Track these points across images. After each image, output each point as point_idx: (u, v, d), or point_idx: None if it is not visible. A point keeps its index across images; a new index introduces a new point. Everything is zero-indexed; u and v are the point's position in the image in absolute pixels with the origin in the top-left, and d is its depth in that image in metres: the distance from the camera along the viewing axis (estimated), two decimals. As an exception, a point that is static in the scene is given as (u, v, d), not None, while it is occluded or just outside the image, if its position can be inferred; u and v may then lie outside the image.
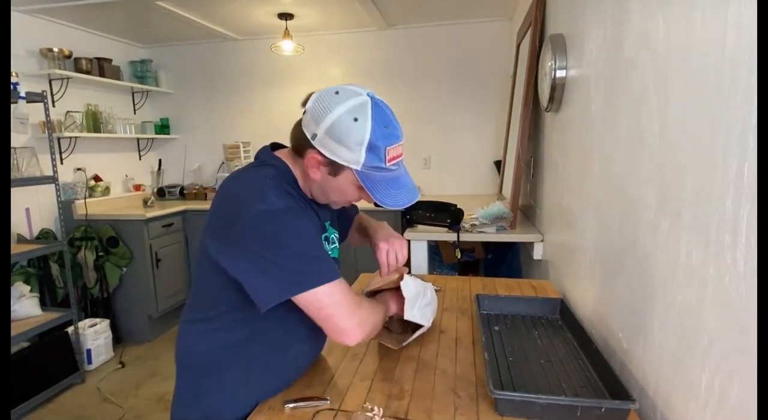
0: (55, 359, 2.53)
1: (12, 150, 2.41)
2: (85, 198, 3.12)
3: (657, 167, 0.84)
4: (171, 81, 3.92)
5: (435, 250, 2.61)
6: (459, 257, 2.11)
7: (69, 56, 3.03)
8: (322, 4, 2.93)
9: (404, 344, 1.08)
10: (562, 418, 0.81)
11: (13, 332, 2.24)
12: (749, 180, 0.57)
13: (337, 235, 1.05)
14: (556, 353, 1.08)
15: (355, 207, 1.22)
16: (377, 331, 0.93)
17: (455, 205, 1.94)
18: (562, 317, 1.27)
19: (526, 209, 2.31)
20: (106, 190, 3.38)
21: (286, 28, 3.19)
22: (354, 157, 0.79)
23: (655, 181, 0.85)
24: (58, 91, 3.04)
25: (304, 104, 0.83)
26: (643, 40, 0.91)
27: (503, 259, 2.70)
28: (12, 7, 2.70)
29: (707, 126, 0.67)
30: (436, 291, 1.41)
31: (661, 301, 0.82)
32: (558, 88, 1.55)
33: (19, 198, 2.78)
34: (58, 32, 3.09)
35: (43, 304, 2.63)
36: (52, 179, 2.50)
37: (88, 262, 2.97)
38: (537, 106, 1.98)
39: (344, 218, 1.15)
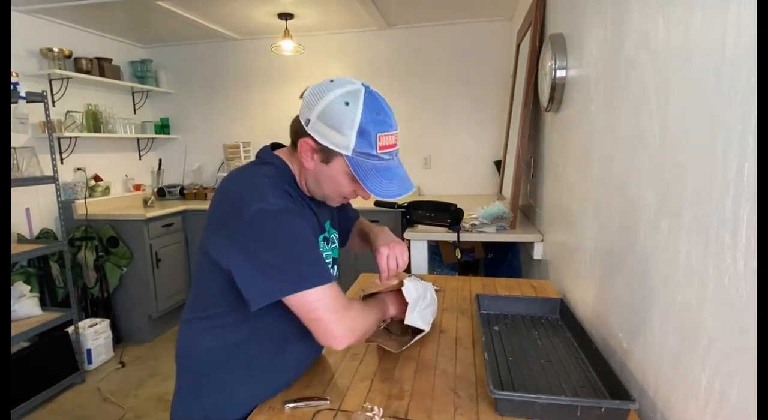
0: (55, 359, 2.53)
1: (12, 150, 2.41)
2: (85, 198, 3.12)
3: (657, 167, 0.84)
4: (171, 81, 3.92)
5: (435, 250, 2.61)
6: (459, 257, 2.11)
7: (69, 56, 3.03)
8: (322, 4, 2.93)
9: (404, 349, 1.08)
10: (562, 418, 0.81)
11: (13, 332, 2.24)
12: (749, 180, 0.57)
13: (337, 236, 1.05)
14: (556, 353, 1.08)
15: (356, 212, 1.22)
16: (369, 334, 0.93)
17: (455, 205, 1.94)
18: (562, 317, 1.27)
19: (526, 209, 2.31)
20: (106, 190, 3.38)
21: (286, 28, 3.19)
22: (344, 142, 0.79)
23: (655, 181, 0.85)
24: (58, 91, 3.04)
25: (302, 96, 0.84)
26: (643, 40, 0.91)
27: (503, 259, 2.70)
28: (12, 7, 2.70)
29: (707, 126, 0.67)
30: (436, 291, 1.41)
31: (661, 301, 0.82)
32: (558, 88, 1.55)
33: (20, 198, 2.78)
34: (58, 32, 3.09)
35: (43, 304, 2.63)
36: (52, 179, 2.50)
37: (88, 262, 2.97)
38: (537, 106, 1.98)
39: (345, 222, 1.14)
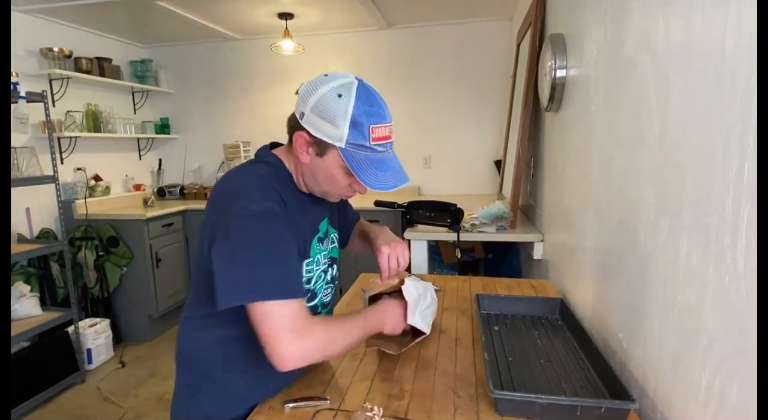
0: (55, 359, 2.53)
1: (12, 150, 2.41)
2: (85, 198, 3.12)
3: (657, 167, 0.84)
4: (171, 81, 3.92)
5: (435, 249, 2.61)
6: (459, 257, 2.11)
7: (69, 56, 3.03)
8: (322, 3, 2.93)
9: (404, 350, 1.08)
10: (562, 418, 0.81)
11: (14, 332, 2.24)
12: (749, 180, 0.57)
13: (337, 236, 1.05)
14: (556, 353, 1.08)
15: (357, 213, 1.22)
16: (334, 356, 0.88)
17: (455, 205, 1.94)
18: (562, 317, 1.27)
19: (526, 209, 2.31)
20: (107, 190, 3.38)
21: (286, 28, 3.19)
22: (337, 134, 0.79)
23: (655, 181, 0.85)
24: (58, 91, 3.04)
25: (297, 91, 0.85)
26: (643, 40, 0.91)
27: (503, 259, 2.70)
28: (12, 7, 2.70)
29: (707, 126, 0.67)
30: (436, 291, 1.40)
31: (661, 301, 0.82)
32: (558, 88, 1.55)
33: (20, 198, 2.78)
34: (58, 32, 3.09)
35: (43, 303, 2.63)
36: (53, 179, 2.50)
37: (88, 262, 2.97)
38: (537, 106, 1.98)
39: (345, 223, 1.14)
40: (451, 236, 1.95)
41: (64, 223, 2.61)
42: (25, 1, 2.69)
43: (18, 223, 2.80)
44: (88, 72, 3.15)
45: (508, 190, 2.28)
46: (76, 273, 2.93)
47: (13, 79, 2.30)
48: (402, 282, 1.05)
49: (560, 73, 1.53)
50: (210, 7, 2.96)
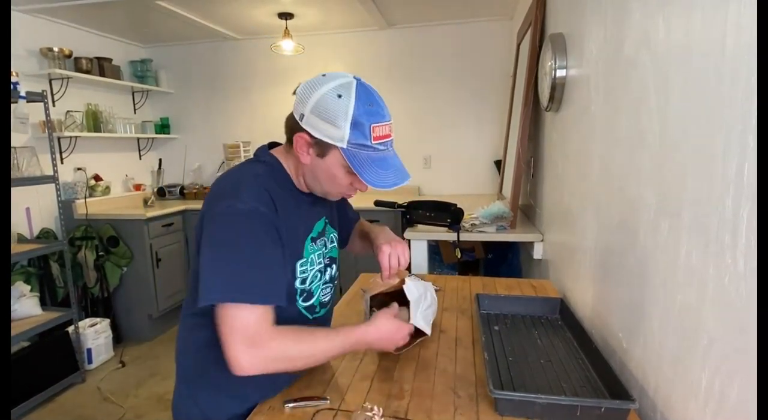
0: (55, 359, 2.53)
1: (12, 150, 2.41)
2: (85, 197, 3.12)
3: (657, 167, 0.84)
4: (171, 81, 3.92)
5: (435, 249, 2.61)
6: (459, 257, 2.11)
7: (69, 56, 3.03)
8: (322, 3, 2.93)
9: (404, 350, 1.08)
10: (562, 418, 0.81)
11: (14, 332, 2.24)
12: (749, 180, 0.57)
13: (336, 236, 1.04)
14: (556, 353, 1.08)
15: (357, 213, 1.22)
16: (298, 370, 0.83)
17: (455, 205, 1.94)
18: (562, 317, 1.27)
19: (526, 209, 2.31)
20: (107, 190, 3.38)
21: (286, 28, 3.19)
22: (339, 134, 0.79)
23: (655, 181, 0.85)
24: (59, 91, 3.04)
25: (295, 92, 0.84)
26: (643, 40, 0.91)
27: (503, 259, 2.70)
28: (12, 7, 2.70)
29: (707, 126, 0.67)
30: (436, 291, 1.40)
31: (661, 301, 0.82)
32: (558, 88, 1.55)
33: (20, 197, 2.78)
34: (58, 32, 3.09)
35: (43, 303, 2.63)
36: (53, 179, 2.50)
37: (88, 262, 2.97)
38: (537, 106, 1.98)
39: (345, 223, 1.14)
40: (451, 236, 1.95)
41: (64, 223, 2.61)
42: (25, 1, 2.69)
43: (18, 223, 2.80)
44: (88, 72, 3.15)
45: (508, 190, 2.28)
46: (76, 273, 2.93)
47: (13, 79, 2.30)
48: (402, 282, 1.05)
49: (560, 72, 1.53)
50: (210, 7, 2.96)
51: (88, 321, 2.85)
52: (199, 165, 3.97)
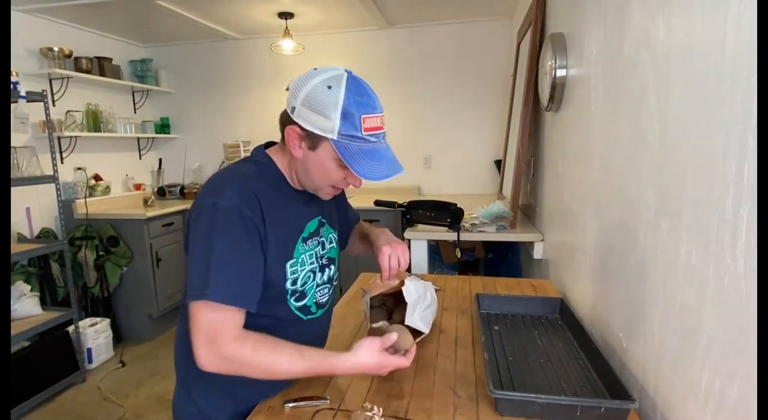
0: (55, 358, 2.53)
1: (12, 149, 2.40)
2: (85, 197, 3.12)
3: (657, 167, 0.84)
4: (171, 80, 3.92)
5: (435, 249, 2.61)
6: (459, 257, 2.11)
7: (69, 55, 3.03)
8: (323, 3, 2.93)
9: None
10: (561, 418, 0.81)
11: (14, 331, 2.24)
12: (749, 180, 0.57)
13: (335, 236, 1.04)
14: (555, 353, 1.08)
15: (356, 215, 1.21)
16: (255, 376, 0.79)
17: (455, 205, 1.94)
18: (562, 317, 1.27)
19: (526, 209, 2.31)
20: (107, 190, 3.38)
21: (286, 28, 3.19)
22: (329, 125, 0.78)
23: (655, 181, 0.85)
24: (59, 91, 3.04)
25: (287, 88, 0.84)
26: (643, 40, 0.91)
27: (503, 259, 2.70)
28: (12, 7, 2.70)
29: (707, 126, 0.67)
30: (436, 290, 1.41)
31: (661, 300, 0.82)
32: (558, 88, 1.55)
33: (20, 197, 2.78)
34: (58, 31, 3.09)
35: (43, 303, 2.63)
36: (53, 178, 2.50)
37: (88, 262, 2.97)
38: (537, 106, 1.98)
39: (345, 225, 1.14)
40: (452, 236, 1.95)
41: (64, 222, 2.61)
42: (24, 1, 2.69)
43: (18, 223, 2.80)
44: (88, 71, 3.15)
45: (508, 189, 2.28)
46: (76, 272, 2.93)
47: (13, 79, 2.30)
48: (402, 283, 1.05)
49: (560, 72, 1.53)
50: (210, 7, 2.96)
51: (88, 321, 2.85)
52: (199, 165, 3.97)
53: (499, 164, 3.13)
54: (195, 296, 0.76)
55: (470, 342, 1.15)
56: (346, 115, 0.78)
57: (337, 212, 1.08)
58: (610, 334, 1.08)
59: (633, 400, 0.79)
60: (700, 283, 0.68)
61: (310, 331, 0.96)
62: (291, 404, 0.87)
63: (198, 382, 0.91)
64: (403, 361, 0.85)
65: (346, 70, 0.81)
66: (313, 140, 0.81)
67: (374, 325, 1.05)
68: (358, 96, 0.79)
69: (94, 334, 2.79)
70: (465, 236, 1.95)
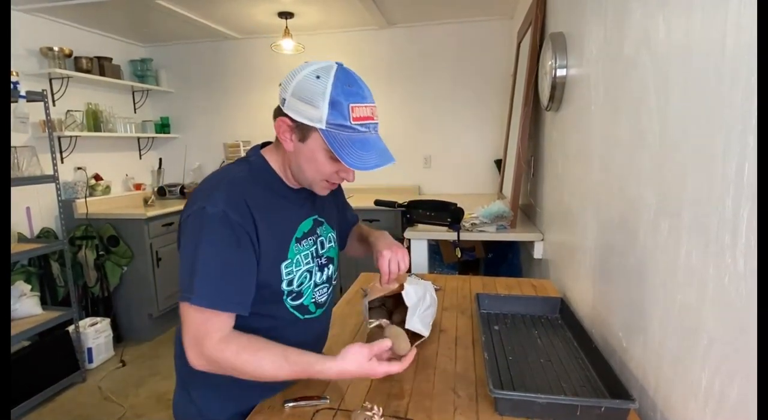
0: (55, 358, 2.53)
1: (12, 149, 2.40)
2: (85, 197, 3.12)
3: (657, 167, 0.84)
4: (171, 80, 3.92)
5: (435, 249, 2.61)
6: (459, 256, 2.11)
7: (69, 55, 3.03)
8: (323, 2, 2.93)
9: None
10: (561, 418, 0.82)
11: (14, 331, 2.24)
12: (749, 180, 0.57)
13: (335, 235, 1.04)
14: (555, 352, 1.08)
15: (356, 216, 1.20)
16: (243, 377, 0.79)
17: (455, 204, 1.94)
18: (562, 316, 1.27)
19: (526, 208, 2.31)
20: (107, 189, 3.38)
21: (286, 27, 3.19)
22: (317, 114, 0.78)
23: (655, 181, 0.85)
24: (59, 90, 3.04)
25: (281, 84, 0.85)
26: (643, 40, 0.91)
27: (504, 258, 2.70)
28: (12, 7, 2.70)
29: (707, 126, 0.67)
30: (436, 290, 1.41)
31: (661, 300, 0.82)
32: (558, 87, 1.55)
33: (20, 197, 2.78)
34: (58, 31, 3.09)
35: (43, 303, 2.64)
36: (53, 178, 2.50)
37: (88, 261, 2.97)
38: (537, 105, 1.98)
39: (343, 225, 1.13)
40: (452, 235, 1.95)
41: (64, 222, 2.61)
42: (24, 1, 2.69)
43: (18, 223, 2.80)
44: (88, 71, 3.15)
45: (508, 189, 2.28)
46: (76, 272, 2.94)
47: (13, 79, 2.30)
48: (402, 286, 1.05)
49: (560, 72, 1.53)
50: (210, 7, 2.96)
51: (88, 320, 2.85)
52: (200, 164, 3.97)
53: (499, 164, 3.13)
54: (182, 298, 0.78)
55: (470, 342, 1.15)
56: (334, 104, 0.77)
57: (337, 212, 1.08)
58: (610, 333, 1.08)
59: (633, 399, 0.79)
60: (700, 283, 0.68)
61: (309, 330, 0.96)
62: (291, 404, 0.87)
63: (198, 382, 0.91)
64: (394, 368, 0.82)
65: (337, 63, 0.81)
66: (302, 131, 0.81)
67: (373, 324, 1.05)
68: (347, 85, 0.78)
69: (95, 334, 2.79)
70: (465, 236, 1.95)
